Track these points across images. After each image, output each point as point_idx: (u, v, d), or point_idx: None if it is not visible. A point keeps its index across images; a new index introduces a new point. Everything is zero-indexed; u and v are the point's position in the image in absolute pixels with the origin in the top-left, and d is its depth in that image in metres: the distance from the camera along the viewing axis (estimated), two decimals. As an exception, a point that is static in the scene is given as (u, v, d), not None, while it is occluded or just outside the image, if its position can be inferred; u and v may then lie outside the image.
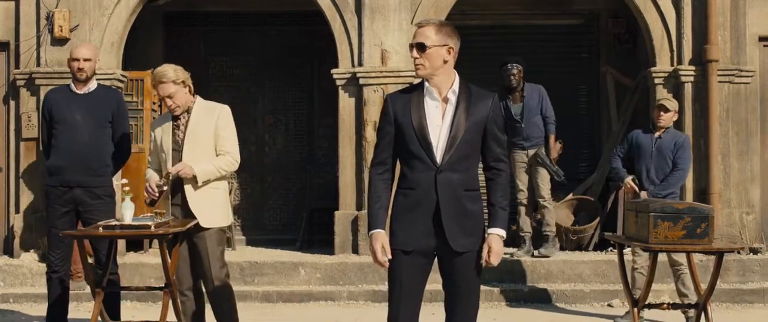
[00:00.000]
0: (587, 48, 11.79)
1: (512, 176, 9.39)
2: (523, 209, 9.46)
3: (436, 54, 4.10)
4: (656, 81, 9.86)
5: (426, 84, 4.23)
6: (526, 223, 9.50)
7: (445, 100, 4.19)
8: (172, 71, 5.77)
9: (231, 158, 5.83)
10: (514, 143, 9.36)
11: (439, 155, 4.12)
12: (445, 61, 4.15)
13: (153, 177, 5.82)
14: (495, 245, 4.14)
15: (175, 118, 5.85)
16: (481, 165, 4.33)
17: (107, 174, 6.73)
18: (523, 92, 9.39)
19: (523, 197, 9.44)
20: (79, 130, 6.60)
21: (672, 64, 9.83)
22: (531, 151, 9.38)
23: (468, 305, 4.23)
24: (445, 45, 4.11)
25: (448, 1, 9.91)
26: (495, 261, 4.15)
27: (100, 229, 5.48)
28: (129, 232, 5.42)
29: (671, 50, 9.84)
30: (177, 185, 5.76)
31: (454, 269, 4.21)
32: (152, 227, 5.32)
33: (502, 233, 4.18)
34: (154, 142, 5.93)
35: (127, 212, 5.63)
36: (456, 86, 4.20)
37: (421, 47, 4.10)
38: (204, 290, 5.90)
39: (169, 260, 5.56)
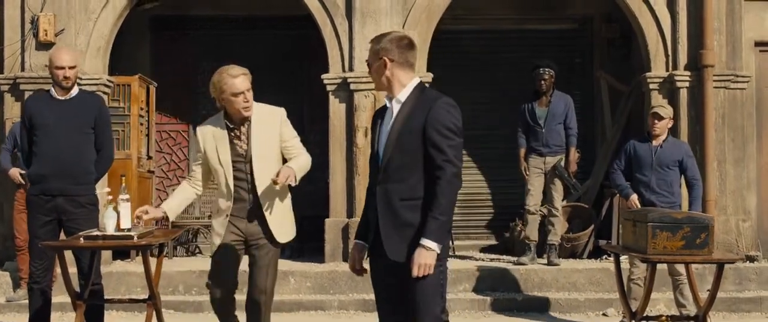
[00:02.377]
0: (580, 53, 11.74)
1: (525, 181, 9.34)
2: (530, 217, 9.35)
3: (375, 68, 4.15)
4: (651, 87, 9.75)
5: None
6: (533, 230, 9.40)
7: (392, 109, 4.19)
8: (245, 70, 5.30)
9: (308, 157, 5.49)
10: (532, 148, 9.31)
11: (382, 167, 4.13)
12: (385, 71, 4.14)
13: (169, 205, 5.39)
14: (417, 257, 3.98)
15: (231, 127, 5.33)
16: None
17: (90, 182, 6.56)
18: (551, 98, 9.33)
19: (532, 202, 9.33)
20: (61, 138, 6.44)
21: (667, 70, 9.74)
22: (548, 159, 9.29)
23: (420, 317, 4.08)
24: (380, 58, 4.13)
25: (440, 5, 9.81)
26: (417, 273, 3.97)
27: (82, 240, 5.31)
28: (111, 243, 5.26)
29: (666, 55, 9.75)
30: (253, 202, 5.30)
31: (398, 277, 4.09)
32: (135, 238, 5.14)
33: (429, 243, 3.96)
34: (203, 151, 5.39)
35: (109, 221, 5.47)
36: (403, 94, 4.14)
37: (368, 64, 4.23)
38: (249, 297, 5.53)
39: (153, 272, 5.38)
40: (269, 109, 5.40)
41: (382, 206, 4.10)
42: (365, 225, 4.26)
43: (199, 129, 5.49)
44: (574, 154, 9.37)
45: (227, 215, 5.31)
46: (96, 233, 5.46)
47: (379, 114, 4.26)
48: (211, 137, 5.34)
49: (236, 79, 5.15)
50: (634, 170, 7.61)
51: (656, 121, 7.58)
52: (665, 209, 7.20)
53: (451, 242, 4.19)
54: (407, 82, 4.15)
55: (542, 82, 9.32)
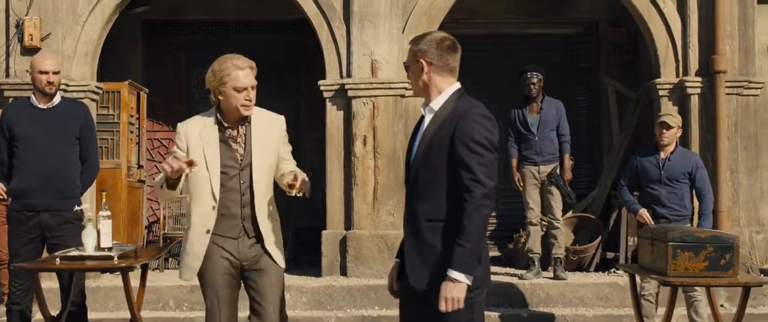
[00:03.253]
0: (586, 58, 11.47)
1: (523, 193, 9.05)
2: (532, 229, 9.03)
3: (413, 71, 3.86)
4: (661, 93, 9.43)
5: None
6: (535, 243, 9.07)
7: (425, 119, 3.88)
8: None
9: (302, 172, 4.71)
10: (526, 157, 9.01)
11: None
12: (422, 75, 3.83)
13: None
14: (444, 290, 3.61)
15: (224, 127, 4.54)
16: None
17: (76, 196, 6.21)
18: (542, 104, 9.03)
19: (533, 215, 9.02)
20: (44, 149, 6.11)
21: (677, 76, 9.41)
22: (542, 168, 8.97)
23: None
24: (418, 60, 3.82)
25: (441, 8, 9.51)
26: (445, 308, 3.62)
27: (58, 260, 4.93)
28: (90, 265, 4.87)
29: (676, 61, 9.42)
30: (247, 218, 4.52)
31: (422, 308, 3.75)
32: (116, 258, 4.77)
33: (455, 275, 3.59)
34: (185, 151, 4.49)
35: (88, 240, 5.12)
36: (438, 102, 3.81)
37: (406, 67, 3.93)
38: None
39: (134, 295, 5.00)
40: (270, 115, 4.72)
41: (407, 227, 3.80)
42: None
43: (181, 125, 4.58)
44: (568, 162, 9.07)
45: (209, 231, 4.45)
46: (74, 253, 5.08)
47: (419, 124, 3.91)
48: (197, 136, 4.48)
49: (241, 71, 4.44)
50: (642, 183, 7.26)
51: (664, 131, 7.22)
52: (677, 223, 6.93)
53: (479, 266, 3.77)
54: (445, 88, 3.82)
55: (531, 86, 9.02)
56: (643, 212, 7.18)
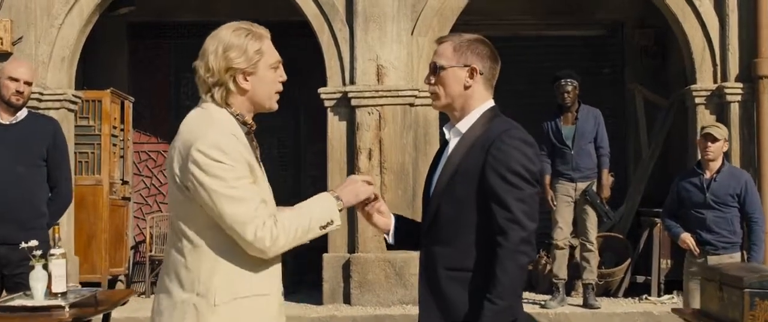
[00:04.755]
0: (610, 62, 10.99)
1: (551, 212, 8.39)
2: (559, 253, 8.34)
3: (451, 77, 3.10)
4: (697, 101, 8.86)
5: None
6: (561, 268, 8.37)
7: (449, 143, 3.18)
8: None
9: None
10: (561, 173, 8.33)
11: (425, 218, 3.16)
12: (469, 85, 3.09)
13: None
14: None
15: (250, 135, 3.01)
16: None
17: (42, 227, 5.39)
18: (577, 114, 8.42)
19: (561, 236, 8.30)
20: (4, 171, 5.34)
21: (715, 81, 8.88)
22: (579, 185, 8.31)
23: None
24: (466, 65, 3.11)
25: (454, 8, 8.99)
26: None
27: (-4, 311, 4.09)
28: (36, 318, 4.00)
29: (714, 65, 8.88)
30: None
31: None
32: (66, 309, 3.92)
33: None
34: (248, 171, 2.86)
35: (37, 284, 4.28)
36: (466, 123, 3.09)
37: (434, 69, 3.15)
38: None
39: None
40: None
41: (423, 274, 3.12)
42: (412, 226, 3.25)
43: (229, 150, 2.81)
44: (607, 178, 8.44)
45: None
46: (16, 302, 4.23)
47: (441, 151, 3.23)
48: (249, 154, 2.91)
49: (266, 40, 3.01)
50: (686, 206, 6.41)
51: (709, 144, 6.34)
52: (725, 251, 6.22)
53: None
54: (479, 104, 3.12)
55: (566, 95, 8.38)
56: (686, 237, 6.34)
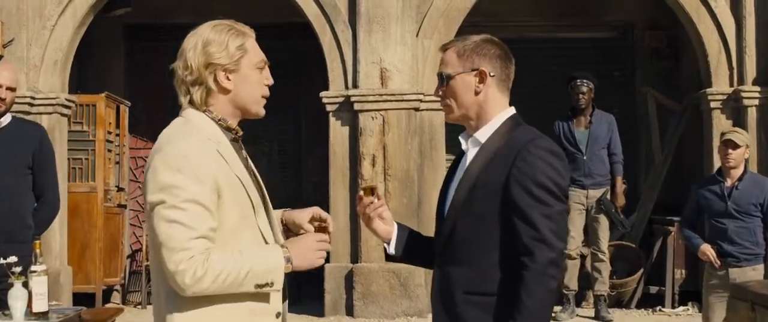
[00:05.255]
0: (620, 65, 10.78)
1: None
2: (570, 262, 8.15)
3: (461, 83, 2.86)
4: (712, 105, 8.66)
5: None
6: (572, 279, 8.22)
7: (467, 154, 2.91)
8: None
9: None
10: (572, 179, 8.08)
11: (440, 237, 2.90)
12: (482, 91, 2.83)
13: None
14: None
15: (235, 139, 2.76)
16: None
17: (27, 240, 5.09)
18: (591, 117, 8.29)
19: (573, 246, 8.12)
20: None
21: (731, 85, 8.68)
22: (592, 192, 8.16)
23: None
24: (476, 68, 2.85)
25: (460, 9, 8.80)
26: None
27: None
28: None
29: (730, 68, 8.68)
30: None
31: None
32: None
33: None
34: (213, 192, 2.53)
35: (17, 303, 4.01)
36: (485, 132, 2.83)
37: (442, 79, 2.90)
38: None
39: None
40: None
41: (437, 297, 2.85)
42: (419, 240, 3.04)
43: (192, 162, 2.52)
44: (621, 185, 8.31)
45: (279, 314, 2.70)
46: (-7, 323, 3.96)
47: (457, 161, 2.97)
48: (225, 167, 2.60)
49: (253, 38, 2.76)
50: (706, 216, 6.15)
51: (730, 151, 6.07)
52: (748, 263, 5.92)
53: None
54: (497, 112, 2.86)
55: (580, 96, 8.26)
56: (706, 248, 6.07)
